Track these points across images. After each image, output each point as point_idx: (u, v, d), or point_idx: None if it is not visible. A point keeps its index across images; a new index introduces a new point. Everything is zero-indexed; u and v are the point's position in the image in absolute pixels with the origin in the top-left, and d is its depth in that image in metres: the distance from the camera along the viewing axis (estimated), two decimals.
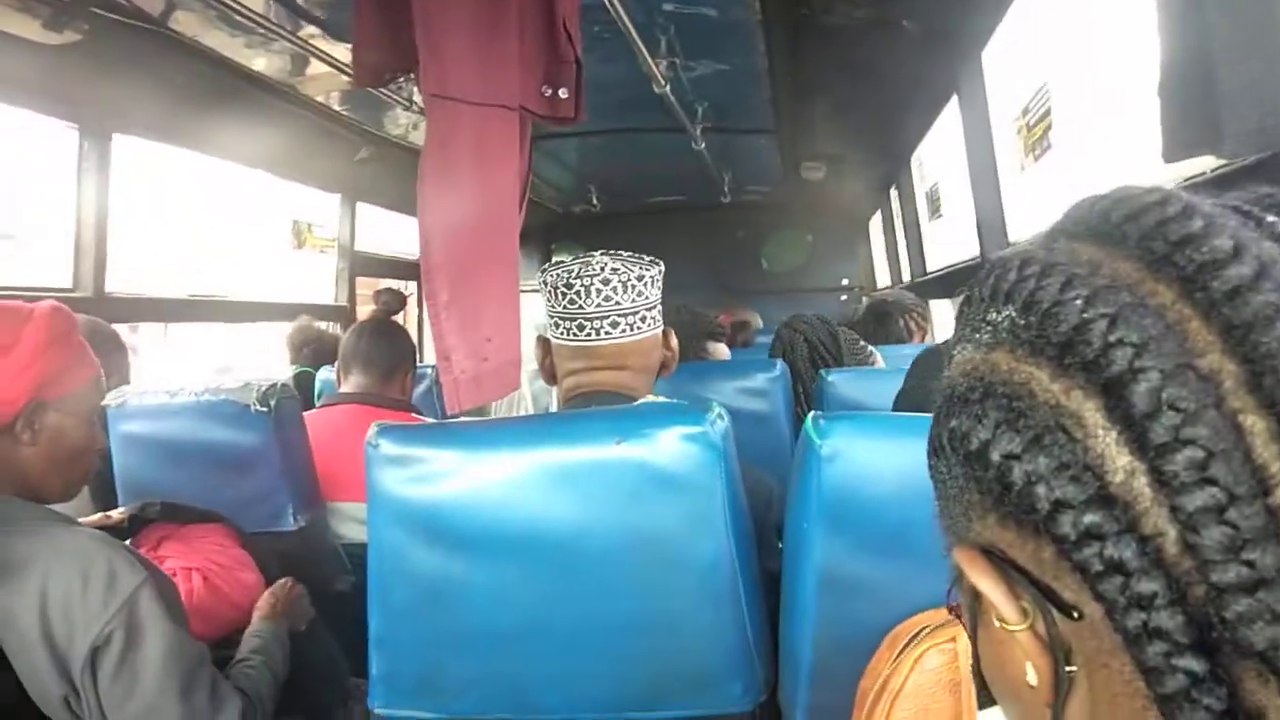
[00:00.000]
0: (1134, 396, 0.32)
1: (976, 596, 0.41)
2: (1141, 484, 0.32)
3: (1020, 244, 0.40)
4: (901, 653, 0.79)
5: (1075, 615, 0.35)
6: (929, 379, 1.33)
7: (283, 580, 1.54)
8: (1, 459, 1.16)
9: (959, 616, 0.46)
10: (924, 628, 0.80)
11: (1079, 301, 0.34)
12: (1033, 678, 0.38)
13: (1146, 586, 0.32)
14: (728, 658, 1.06)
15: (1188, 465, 0.31)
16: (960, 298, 0.42)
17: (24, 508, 1.14)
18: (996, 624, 0.38)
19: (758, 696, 1.09)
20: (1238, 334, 0.31)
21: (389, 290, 2.36)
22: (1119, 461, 0.32)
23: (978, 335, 0.39)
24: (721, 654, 1.06)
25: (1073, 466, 0.33)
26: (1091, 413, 0.33)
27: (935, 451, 0.43)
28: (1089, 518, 0.33)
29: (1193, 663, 0.31)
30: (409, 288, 4.52)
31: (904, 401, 1.46)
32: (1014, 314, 0.37)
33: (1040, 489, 0.34)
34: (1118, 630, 0.33)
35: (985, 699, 0.45)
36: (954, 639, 0.77)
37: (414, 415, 2.10)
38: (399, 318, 2.40)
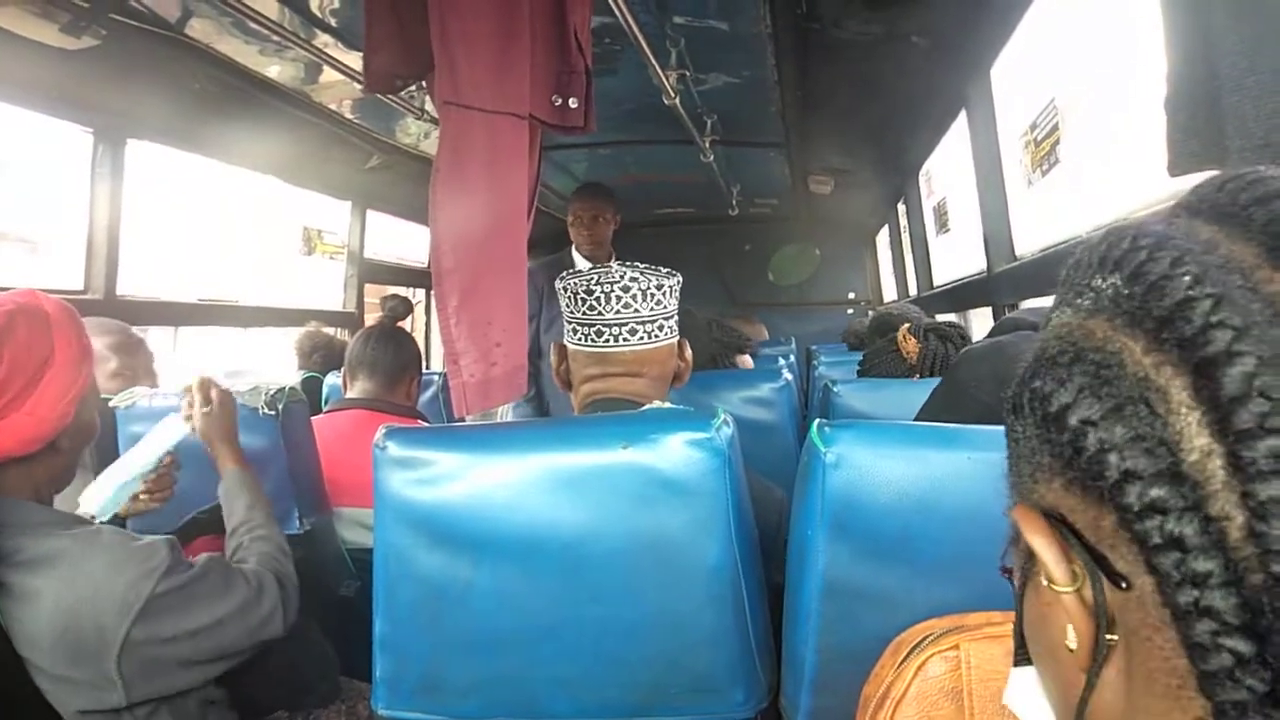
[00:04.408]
0: (1225, 379, 0.31)
1: (1030, 556, 0.42)
2: (1216, 466, 0.32)
3: (1140, 216, 0.40)
4: (905, 660, 0.80)
5: (1124, 585, 0.35)
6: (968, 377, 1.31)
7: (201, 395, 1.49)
8: (35, 469, 1.17)
9: (1009, 576, 0.47)
10: (927, 635, 0.81)
11: (1187, 278, 0.34)
12: (1073, 641, 0.38)
13: (1203, 565, 0.32)
14: (731, 663, 1.06)
15: (1268, 454, 0.30)
16: (1068, 263, 0.42)
17: (41, 511, 1.16)
18: (1045, 584, 0.39)
19: (760, 703, 1.09)
20: None
21: (395, 296, 2.37)
22: (1197, 441, 0.32)
23: (1079, 300, 0.39)
24: (724, 659, 1.06)
25: (1148, 439, 0.34)
26: (1179, 390, 0.33)
27: (1014, 410, 0.43)
28: (1155, 491, 0.33)
29: (1240, 644, 0.31)
30: (417, 295, 4.54)
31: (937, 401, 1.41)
32: (1119, 283, 0.37)
33: (1112, 457, 0.35)
34: (1167, 604, 0.34)
35: (1022, 658, 0.46)
36: (957, 647, 0.78)
37: (420, 422, 2.10)
38: (407, 325, 2.41)
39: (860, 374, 2.16)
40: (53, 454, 1.18)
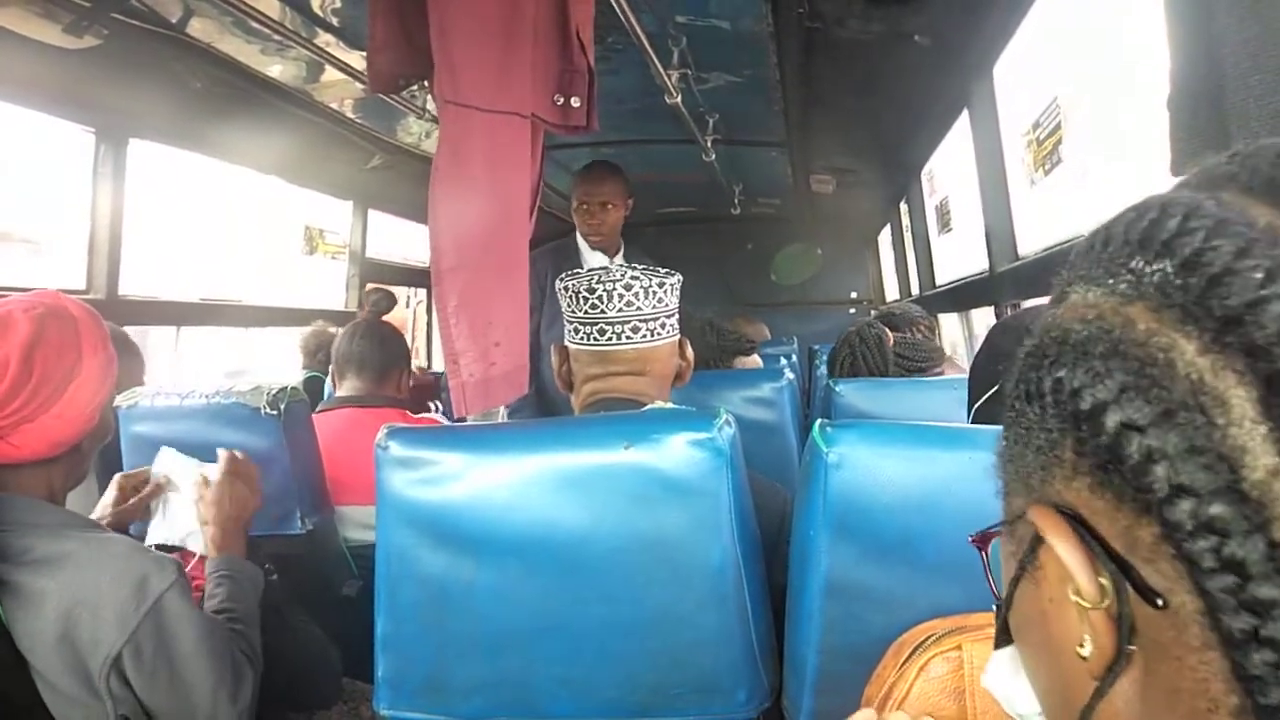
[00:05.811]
0: None
1: (1032, 549, 0.39)
2: None
3: (1180, 189, 0.35)
4: (907, 660, 0.79)
5: (1160, 604, 0.32)
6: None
7: (222, 475, 1.46)
8: (54, 470, 1.16)
9: (979, 546, 0.45)
10: (929, 636, 0.81)
11: (1258, 274, 0.29)
12: (1087, 650, 0.35)
13: (1266, 592, 0.29)
14: (733, 663, 1.06)
15: None
16: (1093, 232, 0.38)
17: (55, 512, 1.15)
18: (1072, 597, 0.35)
19: (762, 703, 1.09)
20: None
21: (378, 290, 2.36)
22: (1262, 459, 0.29)
23: (1111, 281, 0.35)
24: (726, 659, 1.06)
25: (1206, 453, 0.30)
26: (1241, 401, 0.29)
27: (1026, 396, 0.39)
28: (1215, 510, 0.30)
29: None
30: (418, 294, 4.53)
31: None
32: (1169, 269, 0.32)
33: (1160, 468, 0.31)
34: (1215, 630, 0.30)
35: (1003, 640, 0.43)
36: (959, 647, 0.78)
37: (407, 414, 2.09)
38: (409, 325, 2.40)
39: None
40: (74, 455, 1.18)
